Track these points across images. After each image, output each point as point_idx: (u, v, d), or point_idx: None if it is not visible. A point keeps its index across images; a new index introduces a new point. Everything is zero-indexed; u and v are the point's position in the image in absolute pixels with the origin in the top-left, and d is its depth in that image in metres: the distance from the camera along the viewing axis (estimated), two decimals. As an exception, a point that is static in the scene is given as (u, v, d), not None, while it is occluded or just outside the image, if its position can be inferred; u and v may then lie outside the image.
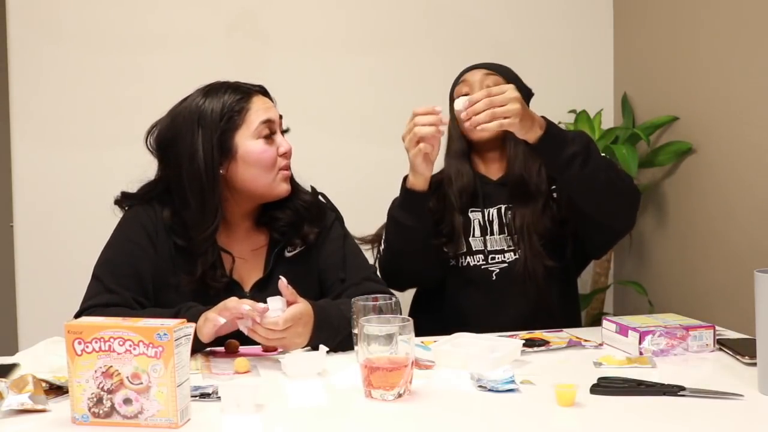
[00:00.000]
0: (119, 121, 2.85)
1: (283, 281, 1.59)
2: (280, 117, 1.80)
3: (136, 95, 2.85)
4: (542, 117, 1.81)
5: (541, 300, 2.02)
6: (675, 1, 2.74)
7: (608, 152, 2.80)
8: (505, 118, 1.73)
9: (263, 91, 1.82)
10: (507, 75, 2.06)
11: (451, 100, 2.11)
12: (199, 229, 1.72)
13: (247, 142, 1.73)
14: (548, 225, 2.02)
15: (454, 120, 2.01)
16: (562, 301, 2.09)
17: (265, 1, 2.94)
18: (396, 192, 2.13)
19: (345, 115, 2.99)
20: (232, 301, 1.55)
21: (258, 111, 1.74)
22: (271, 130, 1.75)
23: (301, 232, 1.81)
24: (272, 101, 1.82)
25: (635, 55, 3.01)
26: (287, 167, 1.79)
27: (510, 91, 1.74)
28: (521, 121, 1.75)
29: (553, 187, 2.07)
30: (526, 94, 2.07)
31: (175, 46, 2.87)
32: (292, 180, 1.83)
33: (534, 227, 2.01)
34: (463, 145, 2.09)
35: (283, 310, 1.57)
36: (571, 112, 3.04)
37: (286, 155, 1.78)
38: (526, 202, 2.01)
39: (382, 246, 2.02)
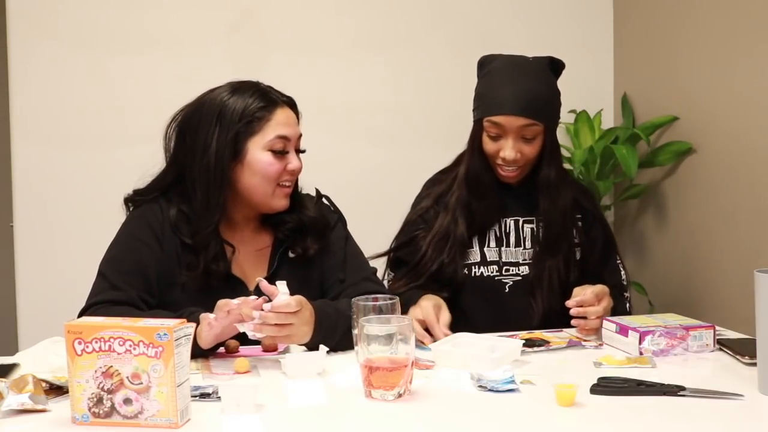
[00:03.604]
0: (119, 121, 2.85)
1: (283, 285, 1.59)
2: (299, 136, 1.79)
3: (135, 95, 2.85)
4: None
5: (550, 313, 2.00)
6: (675, 2, 2.74)
7: (608, 152, 2.81)
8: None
9: (291, 104, 1.80)
10: (547, 119, 1.97)
11: (476, 118, 2.01)
12: (201, 222, 1.73)
13: (258, 150, 1.73)
14: (564, 277, 2.01)
15: (479, 146, 1.98)
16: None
17: (265, 1, 2.94)
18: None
19: (345, 115, 2.99)
20: (221, 301, 1.56)
21: (277, 125, 1.74)
22: (284, 147, 1.75)
23: (303, 243, 1.82)
24: (297, 117, 1.80)
25: (635, 55, 3.01)
26: (290, 184, 1.78)
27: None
28: None
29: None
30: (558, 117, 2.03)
31: (175, 46, 2.87)
32: (296, 196, 1.82)
33: (553, 281, 2.00)
34: (488, 178, 2.02)
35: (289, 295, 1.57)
36: (571, 112, 3.04)
37: (293, 173, 1.78)
38: (554, 253, 1.97)
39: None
